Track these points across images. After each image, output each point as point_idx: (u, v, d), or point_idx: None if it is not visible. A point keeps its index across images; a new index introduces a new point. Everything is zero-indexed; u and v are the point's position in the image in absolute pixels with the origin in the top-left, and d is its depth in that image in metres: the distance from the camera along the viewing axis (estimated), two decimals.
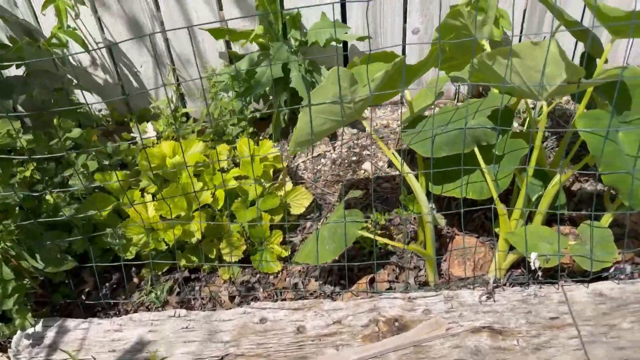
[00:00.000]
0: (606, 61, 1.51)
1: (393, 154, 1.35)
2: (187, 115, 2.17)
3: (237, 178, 1.68)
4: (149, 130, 1.98)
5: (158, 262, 1.59)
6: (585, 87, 1.14)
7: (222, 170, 1.76)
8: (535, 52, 1.07)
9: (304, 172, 1.97)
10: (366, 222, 1.57)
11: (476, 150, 1.30)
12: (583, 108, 1.31)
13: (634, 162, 1.18)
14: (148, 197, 1.61)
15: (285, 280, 1.58)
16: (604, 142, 1.12)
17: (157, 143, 1.98)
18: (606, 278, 1.38)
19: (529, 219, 1.49)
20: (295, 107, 1.50)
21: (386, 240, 1.38)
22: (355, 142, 2.07)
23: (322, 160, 2.01)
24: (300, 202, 1.72)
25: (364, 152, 2.02)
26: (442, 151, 1.29)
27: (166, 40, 2.01)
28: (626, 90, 1.19)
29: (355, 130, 2.12)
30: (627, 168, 1.17)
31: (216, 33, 1.90)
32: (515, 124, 2.01)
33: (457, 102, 2.19)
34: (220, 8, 1.98)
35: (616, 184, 1.18)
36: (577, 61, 2.08)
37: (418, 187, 1.33)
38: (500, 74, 1.17)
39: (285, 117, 2.02)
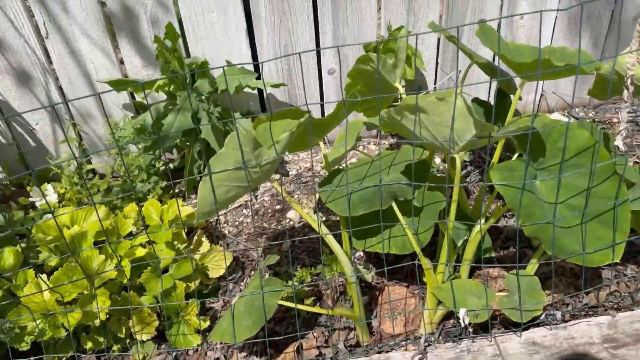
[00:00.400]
0: (520, 98, 1.49)
1: (308, 214, 1.26)
2: (93, 171, 2.00)
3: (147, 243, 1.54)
4: (50, 192, 1.80)
5: (53, 355, 1.41)
6: (497, 140, 1.09)
7: (131, 235, 1.60)
8: (442, 107, 1.01)
9: (225, 225, 1.84)
10: (288, 286, 1.46)
11: (394, 205, 1.23)
12: (498, 155, 1.27)
13: (553, 210, 1.14)
14: (43, 279, 1.44)
15: (206, 355, 1.44)
16: (521, 194, 1.08)
17: (59, 206, 1.81)
18: (538, 324, 1.33)
19: (458, 262, 1.43)
20: (210, 155, 1.40)
21: (309, 308, 1.27)
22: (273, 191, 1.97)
23: (244, 211, 1.89)
24: (219, 264, 1.60)
25: None
26: (360, 209, 1.21)
27: (63, 95, 1.85)
28: (539, 137, 1.16)
29: (277, 176, 2.02)
30: (547, 216, 1.13)
31: (117, 85, 1.76)
32: (437, 160, 1.98)
33: (380, 139, 2.14)
34: (121, 62, 1.84)
35: (537, 234, 1.13)
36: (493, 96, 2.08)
37: (338, 249, 1.24)
38: (410, 129, 1.11)
39: (201, 168, 1.90)
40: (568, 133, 1.13)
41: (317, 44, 1.90)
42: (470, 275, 1.50)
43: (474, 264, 1.31)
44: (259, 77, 1.89)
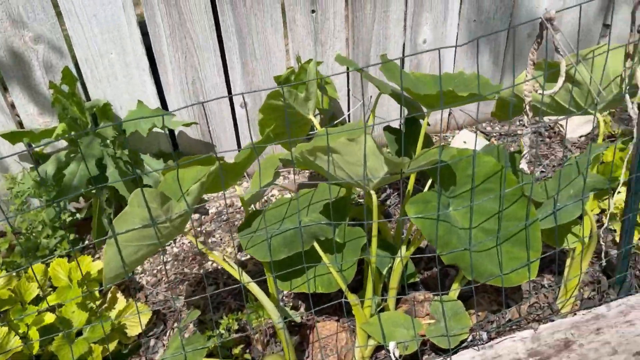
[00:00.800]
0: (428, 124, 1.53)
1: (227, 261, 1.21)
2: None
3: (56, 306, 1.41)
4: None
5: None
6: (409, 174, 1.10)
7: (38, 299, 1.47)
8: (353, 148, 1.00)
9: (142, 275, 1.74)
10: (214, 336, 1.39)
11: (316, 245, 1.21)
12: (413, 182, 1.28)
13: (468, 235, 1.16)
14: None
15: None
16: (437, 225, 1.09)
17: None
18: (467, 347, 1.35)
19: (385, 290, 1.43)
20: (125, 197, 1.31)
21: None
22: (198, 229, 1.89)
23: (163, 257, 1.80)
24: (137, 320, 1.50)
25: (210, 240, 1.85)
26: (282, 253, 1.17)
27: None
28: (449, 167, 1.18)
29: (197, 215, 1.95)
30: (463, 243, 1.15)
31: (11, 137, 1.63)
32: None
33: (295, 175, 2.13)
34: (12, 105, 1.71)
35: (455, 261, 1.15)
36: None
37: (262, 296, 1.20)
38: (324, 168, 1.09)
39: (110, 216, 1.79)
40: (475, 161, 1.16)
41: (227, 78, 1.86)
42: (398, 301, 1.50)
43: (400, 294, 1.31)
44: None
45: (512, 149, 2.16)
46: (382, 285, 1.45)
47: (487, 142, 2.13)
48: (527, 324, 1.46)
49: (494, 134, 2.25)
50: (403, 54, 2.02)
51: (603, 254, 1.29)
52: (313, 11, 1.80)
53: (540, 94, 1.06)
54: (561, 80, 1.02)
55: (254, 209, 1.78)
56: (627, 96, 1.11)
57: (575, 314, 1.43)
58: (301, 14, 1.79)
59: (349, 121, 2.09)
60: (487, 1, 1.99)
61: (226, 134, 1.95)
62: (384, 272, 1.43)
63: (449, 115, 2.25)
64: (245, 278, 1.19)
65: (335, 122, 2.01)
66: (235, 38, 1.76)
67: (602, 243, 1.26)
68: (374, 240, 1.20)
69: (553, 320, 1.42)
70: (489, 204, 1.19)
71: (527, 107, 1.08)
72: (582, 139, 2.19)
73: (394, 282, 1.36)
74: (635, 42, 1.11)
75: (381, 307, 1.39)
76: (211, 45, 1.75)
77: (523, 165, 1.13)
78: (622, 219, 1.38)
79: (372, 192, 1.12)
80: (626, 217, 1.37)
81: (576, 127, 2.19)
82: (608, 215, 1.24)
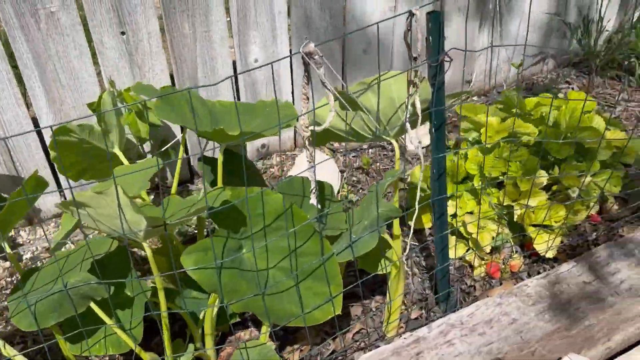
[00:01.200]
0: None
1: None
2: None
3: None
4: None
5: None
6: (181, 224, 1.00)
7: None
8: (105, 200, 0.89)
9: None
10: None
11: (94, 305, 1.08)
12: (202, 233, 1.19)
13: (262, 278, 1.09)
14: None
15: None
16: (219, 275, 1.00)
17: None
18: None
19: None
20: None
21: None
22: (9, 279, 1.68)
23: None
24: None
25: None
26: (51, 319, 1.03)
27: None
28: (235, 208, 1.10)
29: (8, 264, 1.73)
30: (255, 286, 1.07)
31: None
32: None
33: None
34: None
35: (248, 308, 1.07)
36: None
37: None
38: (83, 222, 0.97)
39: None
40: (265, 199, 1.09)
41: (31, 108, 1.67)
42: (223, 344, 1.41)
43: (227, 335, 1.22)
44: None
45: (355, 165, 2.15)
46: (200, 331, 1.34)
47: (332, 159, 2.10)
48: (353, 353, 1.43)
49: (341, 150, 2.23)
50: (235, 73, 1.93)
51: (410, 278, 1.28)
52: (123, 33, 1.65)
53: (311, 129, 1.01)
54: (331, 115, 0.97)
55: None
56: (407, 125, 1.10)
57: (400, 337, 1.41)
58: (109, 36, 1.64)
59: (185, 147, 1.97)
60: (316, 18, 1.96)
61: (40, 170, 1.75)
62: (201, 317, 1.33)
63: (295, 133, 2.20)
64: (10, 351, 1.04)
65: (165, 147, 1.88)
66: (33, 65, 1.58)
67: (407, 267, 1.24)
68: (161, 294, 1.09)
69: (378, 347, 1.39)
70: (284, 241, 1.13)
71: (307, 143, 1.03)
72: (424, 150, 2.22)
73: (208, 328, 1.26)
74: (413, 69, 1.09)
75: (196, 355, 1.29)
76: (4, 74, 1.56)
77: (313, 200, 1.08)
78: (433, 240, 1.39)
79: (145, 244, 1.01)
80: (436, 238, 1.38)
81: (419, 138, 2.22)
82: (409, 240, 1.22)
